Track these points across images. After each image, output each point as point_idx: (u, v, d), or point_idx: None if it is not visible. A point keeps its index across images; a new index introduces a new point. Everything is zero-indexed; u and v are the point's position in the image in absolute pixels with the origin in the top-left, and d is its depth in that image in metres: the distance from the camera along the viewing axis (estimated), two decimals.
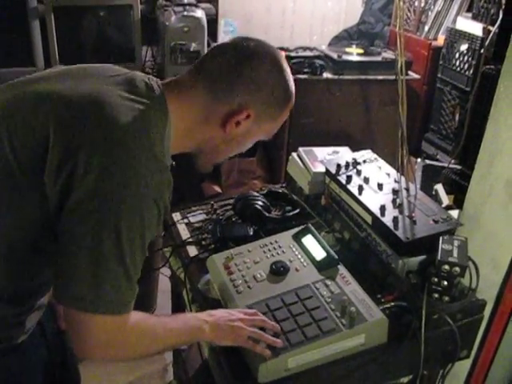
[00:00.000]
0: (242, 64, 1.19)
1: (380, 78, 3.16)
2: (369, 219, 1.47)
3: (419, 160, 2.93)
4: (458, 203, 2.19)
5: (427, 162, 2.86)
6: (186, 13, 2.85)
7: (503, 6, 2.39)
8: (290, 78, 1.26)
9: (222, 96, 1.18)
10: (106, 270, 1.01)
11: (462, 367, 1.71)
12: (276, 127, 1.32)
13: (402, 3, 1.46)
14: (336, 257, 1.37)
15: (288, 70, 1.26)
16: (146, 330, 1.13)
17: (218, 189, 3.32)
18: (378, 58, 3.26)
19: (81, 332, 1.04)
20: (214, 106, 1.19)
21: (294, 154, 1.87)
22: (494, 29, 2.43)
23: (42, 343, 1.31)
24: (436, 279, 1.31)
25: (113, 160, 1.00)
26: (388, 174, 1.63)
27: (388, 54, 3.31)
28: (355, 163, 1.67)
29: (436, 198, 2.34)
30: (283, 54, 1.29)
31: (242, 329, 1.20)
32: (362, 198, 1.51)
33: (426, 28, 3.26)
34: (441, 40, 3.08)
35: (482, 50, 2.52)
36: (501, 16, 2.37)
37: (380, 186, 1.56)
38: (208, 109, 1.19)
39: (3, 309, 1.15)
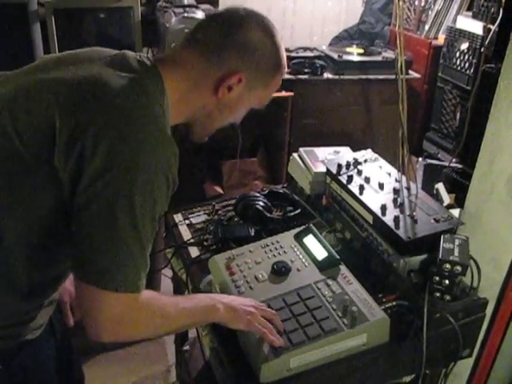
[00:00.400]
0: (233, 29, 1.20)
1: (380, 77, 3.17)
2: (370, 219, 1.47)
3: (420, 159, 2.93)
4: (460, 202, 2.19)
5: (428, 161, 2.86)
6: (186, 14, 2.85)
7: (503, 5, 2.38)
8: (281, 46, 1.27)
9: (213, 61, 1.20)
10: (123, 245, 1.03)
11: (465, 366, 1.71)
12: (268, 95, 1.33)
13: (401, 3, 1.46)
14: (337, 257, 1.37)
15: (279, 38, 1.27)
16: (157, 308, 1.13)
17: (219, 190, 3.32)
18: (379, 58, 3.26)
19: (96, 309, 1.05)
20: (205, 72, 1.20)
21: (295, 155, 1.87)
22: (494, 27, 2.43)
23: (52, 340, 1.32)
24: (437, 278, 1.31)
25: (120, 137, 1.02)
26: (389, 174, 1.63)
27: (388, 54, 3.32)
28: (356, 163, 1.68)
29: (437, 197, 2.34)
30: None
31: (255, 315, 1.20)
32: (362, 198, 1.51)
33: (427, 27, 3.26)
34: (441, 39, 3.09)
35: (482, 49, 2.52)
36: (501, 14, 2.37)
37: (381, 186, 1.56)
38: (200, 74, 1.20)
39: (19, 304, 1.16)
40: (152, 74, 1.16)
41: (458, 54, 2.76)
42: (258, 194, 1.75)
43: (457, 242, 1.34)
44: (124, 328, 1.09)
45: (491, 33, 2.45)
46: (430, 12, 3.28)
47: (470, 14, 2.79)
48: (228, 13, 1.25)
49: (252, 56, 1.21)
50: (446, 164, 2.63)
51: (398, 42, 1.48)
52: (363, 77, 3.18)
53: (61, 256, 1.17)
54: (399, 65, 1.51)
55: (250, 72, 1.22)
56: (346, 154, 1.81)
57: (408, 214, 1.44)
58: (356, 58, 3.25)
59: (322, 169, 1.72)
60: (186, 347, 2.06)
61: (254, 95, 1.28)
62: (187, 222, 1.76)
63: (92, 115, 1.04)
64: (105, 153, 1.00)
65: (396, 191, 1.53)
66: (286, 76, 2.91)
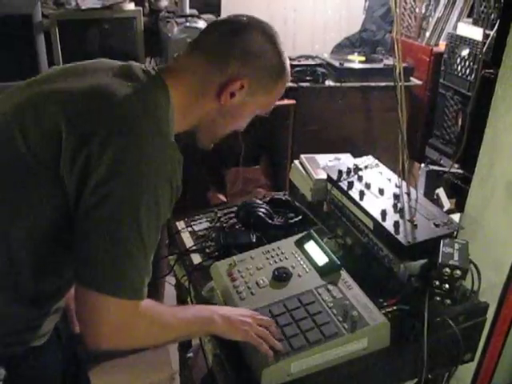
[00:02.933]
0: (235, 35, 1.22)
1: (382, 84, 3.17)
2: (370, 224, 1.48)
3: (423, 165, 2.94)
4: (461, 207, 2.20)
5: (431, 167, 2.87)
6: (188, 24, 2.88)
7: (501, 10, 2.40)
8: (284, 52, 1.28)
9: (215, 67, 1.21)
10: (126, 251, 1.04)
11: (467, 370, 1.71)
12: (272, 101, 1.34)
13: (398, 10, 1.47)
14: (338, 262, 1.38)
15: (281, 44, 1.28)
16: (156, 317, 1.14)
17: (223, 198, 3.33)
18: (380, 65, 3.27)
19: (95, 315, 1.05)
20: (208, 78, 1.22)
21: (296, 162, 1.88)
22: (492, 33, 2.44)
23: (59, 346, 1.32)
24: (437, 282, 1.31)
25: (125, 145, 1.04)
26: (389, 179, 1.64)
27: (390, 61, 3.32)
28: (356, 169, 1.69)
29: (438, 202, 2.35)
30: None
31: (251, 325, 1.21)
32: (363, 204, 1.52)
33: (427, 34, 3.28)
34: (442, 46, 3.10)
35: (481, 55, 2.53)
36: (498, 20, 2.38)
37: (381, 191, 1.57)
38: (203, 81, 1.22)
39: (25, 311, 1.17)
40: (157, 83, 1.18)
41: (458, 61, 2.77)
42: (259, 201, 1.76)
43: (456, 246, 1.34)
44: (123, 335, 1.09)
45: (489, 39, 2.46)
46: (430, 19, 3.29)
47: (471, 20, 2.80)
48: (230, 20, 1.28)
49: (254, 62, 1.22)
50: (447, 169, 2.64)
51: (395, 48, 1.49)
52: (365, 84, 3.19)
53: (66, 264, 1.18)
54: (397, 71, 1.52)
55: (252, 78, 1.23)
56: (346, 160, 1.82)
57: (408, 218, 1.45)
58: (357, 66, 3.27)
59: (322, 176, 1.73)
60: (190, 354, 2.06)
61: (257, 101, 1.29)
62: (189, 229, 1.77)
63: (97, 124, 1.05)
64: (110, 161, 1.02)
65: (396, 196, 1.54)
66: (288, 84, 2.93)
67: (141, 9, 3.02)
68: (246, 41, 1.22)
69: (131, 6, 2.99)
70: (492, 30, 2.49)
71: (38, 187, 1.08)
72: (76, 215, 1.06)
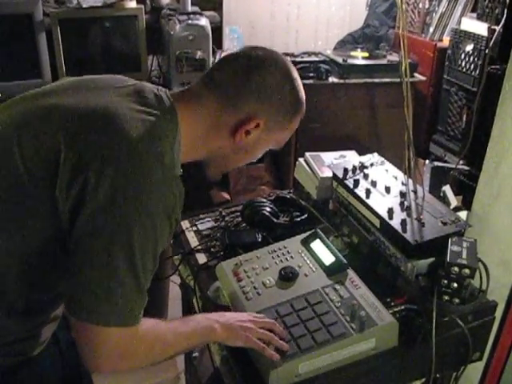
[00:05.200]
0: (251, 73, 1.18)
1: (386, 80, 3.17)
2: (377, 223, 1.47)
3: (427, 162, 2.92)
4: (467, 204, 2.18)
5: (435, 163, 2.85)
6: (190, 21, 2.87)
7: (508, 5, 2.38)
8: (300, 86, 1.26)
9: (230, 105, 1.18)
10: (119, 283, 1.01)
11: (475, 370, 1.70)
12: (287, 136, 1.32)
13: (403, 6, 1.46)
14: (345, 261, 1.37)
15: (298, 78, 1.25)
16: (156, 338, 1.12)
17: (226, 196, 3.33)
18: (384, 61, 3.27)
19: (92, 345, 1.04)
20: (223, 116, 1.19)
21: (301, 160, 1.87)
22: (498, 28, 2.43)
23: (57, 354, 1.30)
24: (446, 281, 1.30)
25: (124, 174, 1.00)
26: (395, 177, 1.63)
27: (393, 57, 3.32)
28: (362, 167, 1.67)
29: (444, 200, 2.33)
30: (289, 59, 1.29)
31: (252, 330, 1.20)
32: (369, 202, 1.50)
33: (431, 29, 3.27)
34: (446, 41, 3.09)
35: (487, 50, 2.51)
36: (505, 15, 2.36)
37: (387, 189, 1.55)
38: (217, 118, 1.19)
39: (17, 322, 1.15)
40: (167, 111, 1.13)
41: (463, 56, 2.76)
42: (264, 200, 1.75)
43: (465, 244, 1.33)
44: (123, 360, 1.08)
45: (495, 34, 2.44)
46: (434, 14, 3.28)
47: (475, 15, 2.78)
48: (246, 54, 1.23)
49: (271, 101, 1.19)
50: (453, 166, 2.62)
51: (401, 45, 1.47)
52: (368, 80, 3.19)
53: (56, 279, 1.16)
54: (403, 68, 1.51)
55: (267, 116, 1.20)
56: (352, 158, 1.81)
57: (415, 217, 1.43)
58: (361, 62, 3.26)
59: (328, 173, 1.72)
60: (195, 354, 2.05)
61: (272, 138, 1.27)
62: (194, 228, 1.76)
63: (97, 148, 1.02)
64: (107, 190, 0.99)
65: (403, 194, 1.53)
66: None
67: (142, 6, 3.01)
68: (263, 78, 1.18)
69: (133, 4, 2.98)
70: (496, 24, 2.47)
71: (30, 206, 1.05)
72: (69, 239, 1.04)
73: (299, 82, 1.26)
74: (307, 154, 1.85)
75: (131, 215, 1.00)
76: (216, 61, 1.15)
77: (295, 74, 1.25)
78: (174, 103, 1.16)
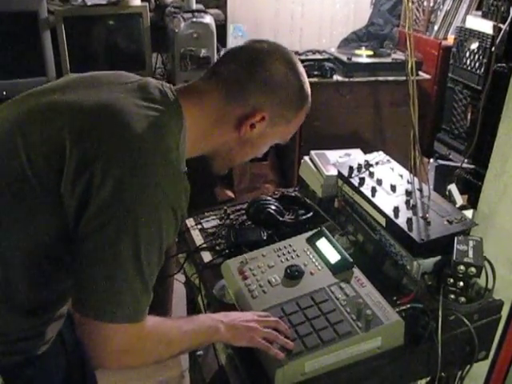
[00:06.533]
0: (255, 66, 1.18)
1: (390, 79, 3.16)
2: (382, 221, 1.47)
3: (432, 160, 2.92)
4: (472, 203, 2.18)
5: (440, 162, 2.85)
6: (194, 19, 2.87)
7: None
8: (305, 80, 1.25)
9: (235, 99, 1.18)
10: (125, 279, 1.01)
11: (481, 369, 1.70)
12: (292, 130, 1.31)
13: (410, 4, 1.45)
14: (350, 259, 1.37)
15: (303, 72, 1.25)
16: (161, 335, 1.12)
17: (230, 193, 3.33)
18: (388, 60, 3.26)
19: (98, 342, 1.04)
20: (228, 109, 1.18)
21: (306, 158, 1.87)
22: (504, 26, 2.42)
23: (62, 352, 1.30)
24: (452, 280, 1.30)
25: (129, 170, 1.00)
26: (401, 176, 1.62)
27: (398, 55, 3.32)
28: (368, 165, 1.67)
29: (449, 199, 2.33)
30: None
31: (257, 329, 1.20)
32: (375, 200, 1.50)
33: (436, 28, 3.26)
34: (451, 39, 3.08)
35: (492, 48, 2.50)
36: (511, 13, 2.35)
37: (393, 188, 1.55)
38: (222, 112, 1.18)
39: (22, 321, 1.15)
40: (172, 107, 1.13)
41: (467, 54, 2.75)
42: (269, 198, 1.75)
43: (471, 243, 1.33)
44: (128, 357, 1.08)
45: (502, 32, 2.43)
46: (438, 12, 3.27)
47: (480, 13, 2.77)
48: (251, 47, 1.23)
49: (276, 94, 1.19)
50: (458, 165, 2.61)
51: (407, 43, 1.47)
52: (373, 79, 3.18)
53: (62, 277, 1.15)
54: (409, 66, 1.50)
55: (272, 109, 1.20)
56: (357, 156, 1.81)
57: (421, 215, 1.43)
58: (365, 60, 3.25)
59: (333, 172, 1.71)
60: (200, 352, 2.05)
61: (277, 131, 1.26)
62: (199, 226, 1.76)
63: (102, 143, 1.02)
64: (112, 185, 0.99)
65: (408, 193, 1.53)
66: None
67: (147, 4, 3.01)
68: (268, 71, 1.18)
69: (137, 2, 2.98)
70: (502, 22, 2.46)
71: (36, 203, 1.05)
72: (75, 236, 1.04)
73: (305, 76, 1.25)
74: (312, 152, 1.85)
75: (137, 211, 1.00)
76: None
77: (301, 68, 1.24)
78: (178, 98, 1.15)
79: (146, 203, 1.01)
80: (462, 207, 2.15)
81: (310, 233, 1.51)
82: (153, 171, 1.02)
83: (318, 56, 3.34)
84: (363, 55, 3.32)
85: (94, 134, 1.03)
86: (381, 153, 1.76)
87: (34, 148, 1.05)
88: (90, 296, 1.02)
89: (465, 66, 2.79)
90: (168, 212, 1.04)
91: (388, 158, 1.73)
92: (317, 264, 1.39)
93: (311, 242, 1.47)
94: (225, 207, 1.84)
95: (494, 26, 2.51)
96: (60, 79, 1.25)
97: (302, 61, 3.14)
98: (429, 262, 1.37)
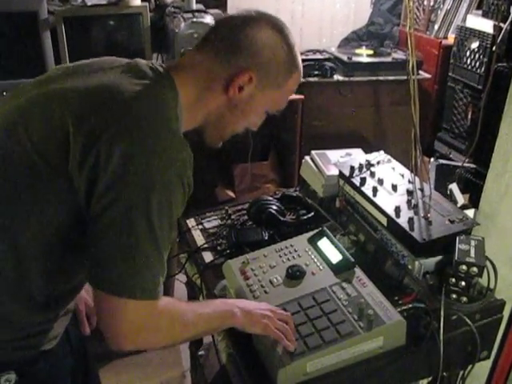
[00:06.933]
0: (244, 29, 1.20)
1: (391, 78, 3.16)
2: (384, 221, 1.47)
3: (432, 159, 2.92)
4: (473, 202, 2.18)
5: (440, 161, 2.85)
6: (194, 19, 2.86)
7: None
8: (294, 46, 1.26)
9: (222, 60, 1.19)
10: (140, 251, 1.02)
11: (483, 368, 1.70)
12: (282, 98, 1.31)
13: (411, 3, 1.45)
14: (352, 259, 1.36)
15: (291, 38, 1.25)
16: (176, 315, 1.13)
17: (231, 194, 3.33)
18: (388, 59, 3.26)
19: (114, 317, 1.04)
20: (216, 72, 1.20)
21: (307, 158, 1.86)
22: (505, 26, 2.42)
23: (68, 350, 1.31)
24: (453, 280, 1.30)
25: (133, 142, 1.02)
26: (402, 175, 1.62)
27: (398, 55, 3.31)
28: (369, 165, 1.67)
29: (451, 198, 2.33)
30: None
31: (272, 318, 1.20)
32: (376, 200, 1.50)
33: (436, 27, 3.25)
34: (451, 39, 3.08)
35: (493, 48, 2.50)
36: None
37: (394, 187, 1.55)
38: (211, 75, 1.20)
39: (34, 315, 1.16)
40: (164, 80, 1.16)
41: (468, 54, 2.75)
42: (271, 198, 1.75)
43: (472, 243, 1.33)
44: (144, 335, 1.08)
45: (502, 31, 2.43)
46: (439, 11, 3.27)
47: (480, 12, 2.77)
48: (239, 14, 1.25)
49: (262, 55, 1.20)
50: (459, 164, 2.62)
51: (408, 43, 1.47)
52: (373, 78, 3.18)
53: (77, 266, 1.17)
54: (410, 66, 1.50)
55: (260, 71, 1.20)
56: (358, 156, 1.81)
57: (422, 215, 1.43)
58: (366, 60, 3.25)
59: (334, 171, 1.71)
60: (201, 352, 2.05)
61: (267, 96, 1.26)
62: (200, 226, 1.76)
63: (105, 122, 1.04)
64: (119, 159, 1.00)
65: (410, 193, 1.53)
66: None
67: (147, 4, 3.01)
68: (255, 34, 1.20)
69: (137, 2, 2.98)
70: (502, 21, 2.46)
71: (45, 187, 1.06)
72: (87, 216, 1.05)
73: (293, 42, 1.26)
74: (313, 152, 1.85)
75: (145, 181, 1.01)
76: None
77: (289, 33, 1.25)
78: (169, 72, 1.18)
79: (153, 173, 1.02)
80: (464, 207, 2.15)
81: (311, 233, 1.51)
82: (156, 141, 1.04)
83: (318, 56, 3.34)
84: (363, 55, 3.32)
85: (96, 115, 1.05)
86: (382, 152, 1.76)
87: (37, 135, 1.06)
88: (107, 271, 1.03)
89: (465, 66, 2.79)
90: (175, 180, 1.05)
91: (389, 157, 1.73)
92: (318, 264, 1.39)
93: (312, 241, 1.47)
94: (226, 207, 1.84)
95: (495, 26, 2.51)
96: (50, 71, 1.27)
97: (302, 60, 3.13)
98: (430, 262, 1.36)
